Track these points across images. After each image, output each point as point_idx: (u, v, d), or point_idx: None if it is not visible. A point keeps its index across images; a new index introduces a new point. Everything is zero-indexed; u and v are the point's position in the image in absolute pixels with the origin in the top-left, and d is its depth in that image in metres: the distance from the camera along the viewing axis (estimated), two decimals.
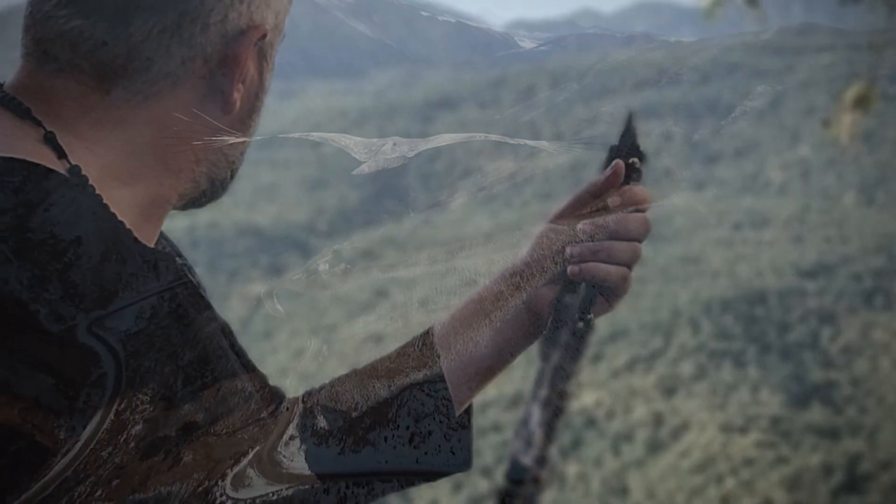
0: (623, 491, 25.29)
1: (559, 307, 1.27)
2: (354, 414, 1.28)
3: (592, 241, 1.28)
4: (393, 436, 1.28)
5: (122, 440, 1.06)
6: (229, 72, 1.15)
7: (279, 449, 1.22)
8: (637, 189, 1.32)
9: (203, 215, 36.05)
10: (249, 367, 1.23)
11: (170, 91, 1.12)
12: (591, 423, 27.16)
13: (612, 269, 1.28)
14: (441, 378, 1.30)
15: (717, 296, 31.32)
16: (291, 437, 1.24)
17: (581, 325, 1.26)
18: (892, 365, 28.56)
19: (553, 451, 1.25)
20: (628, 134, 1.31)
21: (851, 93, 7.48)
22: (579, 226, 1.29)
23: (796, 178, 41.03)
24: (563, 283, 1.27)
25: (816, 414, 26.77)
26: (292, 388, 1.32)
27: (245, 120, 1.21)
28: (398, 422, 1.29)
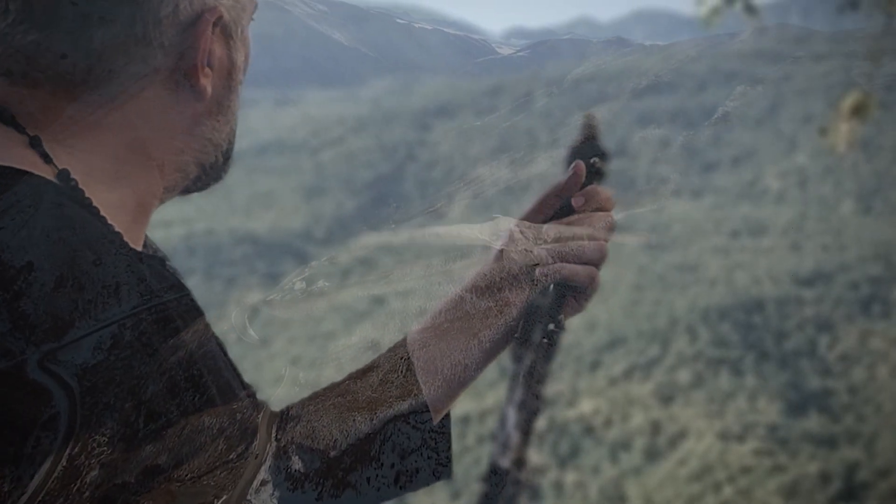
0: (621, 499, 25.27)
1: (530, 310, 1.26)
2: (333, 453, 1.18)
3: (559, 242, 1.27)
4: (376, 476, 1.20)
5: (75, 489, 0.96)
6: (191, 60, 1.13)
7: (249, 496, 1.11)
8: (600, 188, 1.31)
9: (200, 223, 36.04)
10: (239, 380, 1.17)
11: (137, 90, 1.11)
12: (588, 431, 27.15)
13: (580, 268, 1.27)
14: (427, 408, 1.23)
15: (714, 304, 31.33)
16: (263, 483, 1.14)
17: (552, 326, 1.26)
18: (890, 373, 28.57)
19: (531, 453, 1.23)
20: (589, 134, 1.31)
21: (849, 101, 7.50)
22: (544, 228, 1.29)
23: (794, 186, 41.07)
24: (532, 285, 1.26)
25: (814, 422, 26.76)
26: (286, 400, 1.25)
27: (222, 102, 1.18)
28: (382, 460, 1.20)
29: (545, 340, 1.25)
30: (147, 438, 1.01)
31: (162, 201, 1.20)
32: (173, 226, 33.73)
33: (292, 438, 1.19)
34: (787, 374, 28.83)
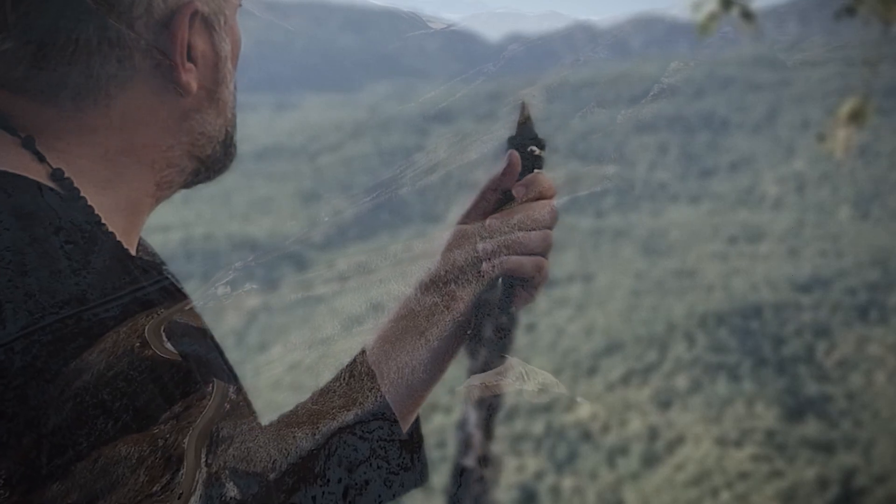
0: None
1: (480, 305, 1.24)
2: (272, 475, 1.08)
3: (502, 235, 1.25)
4: (322, 493, 1.10)
5: None
6: (169, 57, 1.11)
7: None
8: (540, 177, 1.28)
9: (198, 228, 36.00)
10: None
11: (119, 92, 1.09)
12: (586, 436, 27.13)
13: (526, 259, 1.25)
14: (375, 416, 1.15)
15: (712, 309, 31.33)
16: None
17: (504, 319, 1.24)
18: (888, 379, 28.57)
19: (494, 449, 1.21)
20: (524, 123, 1.30)
21: (847, 107, 7.51)
22: (487, 222, 1.26)
23: (791, 192, 41.10)
24: (481, 281, 1.25)
25: (812, 428, 26.76)
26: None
27: (212, 94, 1.16)
28: (328, 475, 1.11)
29: (498, 335, 1.24)
30: (53, 476, 0.91)
31: (158, 200, 1.18)
32: (171, 230, 33.70)
33: (225, 463, 1.06)
34: (785, 380, 28.83)
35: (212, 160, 1.20)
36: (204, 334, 1.07)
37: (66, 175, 1.07)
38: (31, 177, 1.05)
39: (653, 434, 27.10)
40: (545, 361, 28.48)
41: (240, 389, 1.09)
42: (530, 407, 27.39)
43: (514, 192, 1.28)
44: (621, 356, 29.92)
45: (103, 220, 1.07)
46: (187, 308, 1.06)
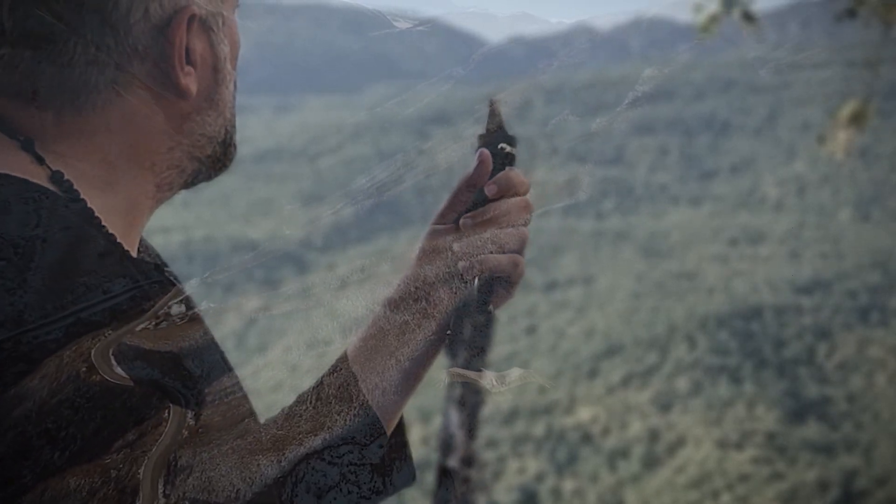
0: None
1: (458, 305, 1.23)
2: None
3: (476, 234, 1.24)
4: None
5: None
6: (168, 61, 1.10)
7: None
8: (512, 174, 1.27)
9: (198, 230, 36.04)
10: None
11: (118, 97, 1.09)
12: (586, 438, 27.14)
13: (502, 257, 1.24)
14: (345, 440, 1.11)
15: (712, 311, 31.35)
16: None
17: (482, 318, 1.24)
18: (888, 381, 28.59)
19: (478, 449, 1.20)
20: (494, 120, 1.30)
21: (847, 109, 7.52)
22: (461, 221, 1.26)
23: (792, 194, 41.15)
24: (458, 281, 1.25)
25: (812, 430, 26.78)
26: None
27: (212, 96, 1.16)
28: (295, 503, 1.08)
29: (477, 334, 1.24)
30: None
31: (159, 201, 1.17)
32: (172, 233, 33.73)
33: (184, 493, 1.00)
34: (786, 382, 28.85)
35: (212, 160, 1.19)
36: (156, 356, 1.01)
37: (66, 178, 1.06)
38: (33, 180, 1.05)
39: (653, 436, 27.11)
40: (546, 364, 28.48)
41: (198, 416, 1.03)
42: (531, 409, 27.41)
43: (486, 190, 1.27)
44: (622, 358, 29.94)
45: (103, 223, 1.06)
46: (139, 329, 1.00)
